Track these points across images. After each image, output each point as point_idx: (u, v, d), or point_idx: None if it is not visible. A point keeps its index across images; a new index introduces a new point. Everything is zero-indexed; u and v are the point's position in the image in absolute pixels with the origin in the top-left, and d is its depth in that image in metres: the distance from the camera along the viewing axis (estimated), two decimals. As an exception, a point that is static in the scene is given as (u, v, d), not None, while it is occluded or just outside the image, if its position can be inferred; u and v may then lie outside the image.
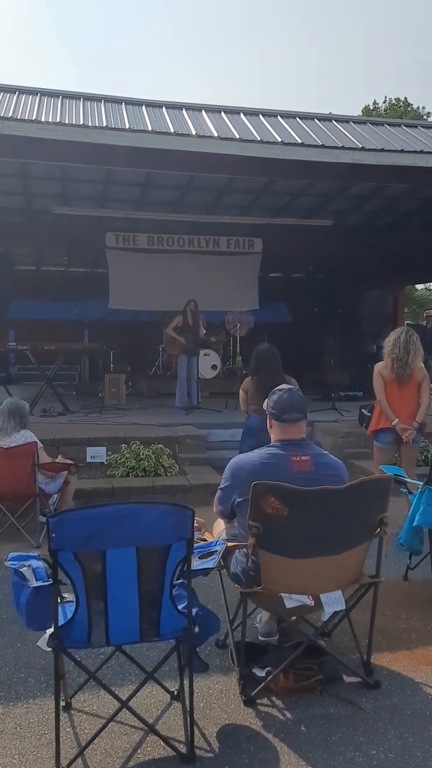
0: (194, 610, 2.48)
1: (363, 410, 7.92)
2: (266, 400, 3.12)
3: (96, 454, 6.46)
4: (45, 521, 5.07)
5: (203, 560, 2.64)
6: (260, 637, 3.20)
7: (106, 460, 6.55)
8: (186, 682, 2.54)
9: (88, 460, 6.41)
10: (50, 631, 2.47)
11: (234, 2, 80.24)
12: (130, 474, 6.45)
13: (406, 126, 8.98)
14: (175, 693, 2.82)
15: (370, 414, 7.79)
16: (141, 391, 11.70)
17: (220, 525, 3.33)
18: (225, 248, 12.20)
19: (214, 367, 12.08)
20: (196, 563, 2.55)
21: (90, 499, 5.96)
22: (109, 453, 6.62)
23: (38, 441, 5.13)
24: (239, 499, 2.93)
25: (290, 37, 69.32)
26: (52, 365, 9.64)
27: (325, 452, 3.02)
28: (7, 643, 3.39)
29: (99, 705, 2.78)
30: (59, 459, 5.50)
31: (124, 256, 11.93)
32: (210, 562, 2.61)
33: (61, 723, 2.41)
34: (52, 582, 2.35)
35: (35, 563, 2.56)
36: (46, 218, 10.97)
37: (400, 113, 24.87)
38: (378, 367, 5.52)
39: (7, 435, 5.03)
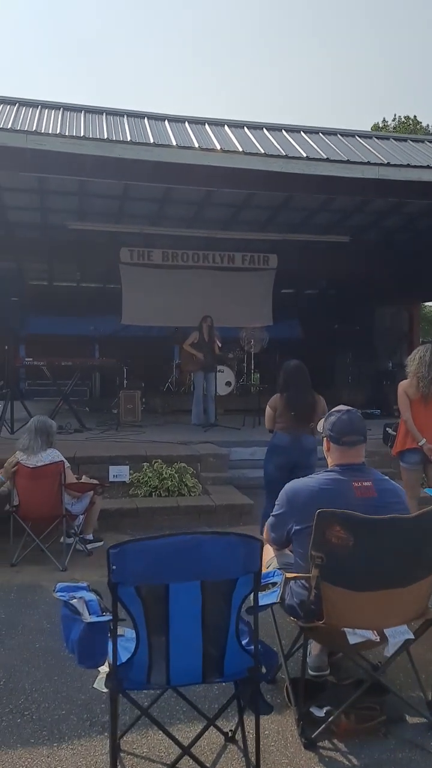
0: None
1: (387, 429, 7.77)
2: (322, 421, 2.97)
3: (119, 473, 6.30)
4: (71, 543, 5.00)
5: (263, 593, 2.48)
6: (310, 672, 3.03)
7: (129, 480, 6.39)
8: (247, 725, 2.37)
9: (111, 479, 6.26)
10: (104, 669, 2.31)
11: (239, 20, 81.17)
12: (153, 494, 6.29)
13: (430, 142, 8.93)
14: (230, 734, 2.65)
15: (394, 433, 7.62)
16: (155, 407, 11.55)
17: (269, 552, 3.16)
18: (240, 264, 12.12)
19: (228, 383, 11.95)
20: (259, 597, 2.39)
21: (114, 520, 5.81)
22: (131, 472, 6.47)
23: (65, 460, 4.99)
24: (297, 527, 2.77)
25: (297, 55, 70.04)
26: (65, 381, 9.51)
27: (386, 477, 2.86)
28: (43, 675, 3.22)
29: (149, 747, 2.61)
30: (84, 478, 5.36)
31: (138, 272, 11.85)
32: (272, 596, 2.45)
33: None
34: (109, 618, 2.19)
35: (87, 595, 2.41)
36: (61, 233, 10.90)
37: (409, 131, 24.95)
38: (403, 385, 5.36)
39: (33, 454, 4.89)
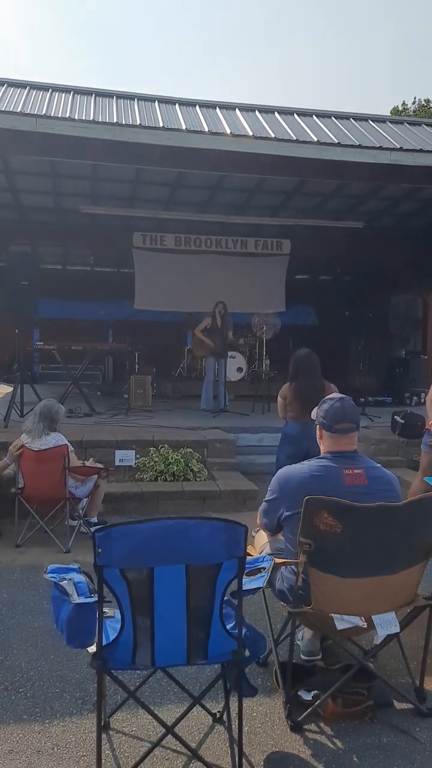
0: (243, 631, 2.34)
1: (396, 417, 7.75)
2: (316, 409, 2.97)
3: (125, 457, 6.36)
4: (75, 525, 5.06)
5: (251, 578, 2.51)
6: (302, 656, 3.06)
7: (135, 464, 6.44)
8: (232, 706, 2.41)
9: (117, 463, 6.31)
10: (92, 649, 2.35)
11: (257, 3, 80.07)
12: (159, 478, 6.33)
13: (444, 126, 8.79)
14: (218, 715, 2.69)
15: (403, 421, 7.64)
16: (166, 392, 11.59)
17: (262, 537, 3.19)
18: (253, 249, 12.06)
19: (239, 369, 11.96)
20: (245, 581, 2.42)
21: (119, 504, 5.88)
22: (137, 456, 6.52)
23: (69, 444, 5.04)
24: (287, 513, 2.79)
25: (315, 38, 69.00)
26: (78, 365, 9.57)
27: (378, 465, 2.86)
28: (39, 654, 3.28)
29: (138, 726, 2.66)
30: (89, 462, 5.41)
31: (151, 257, 11.84)
32: (259, 581, 2.47)
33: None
34: (95, 599, 2.23)
35: (76, 577, 2.45)
36: (74, 218, 10.92)
37: (429, 114, 24.51)
38: None
39: (37, 437, 4.94)
